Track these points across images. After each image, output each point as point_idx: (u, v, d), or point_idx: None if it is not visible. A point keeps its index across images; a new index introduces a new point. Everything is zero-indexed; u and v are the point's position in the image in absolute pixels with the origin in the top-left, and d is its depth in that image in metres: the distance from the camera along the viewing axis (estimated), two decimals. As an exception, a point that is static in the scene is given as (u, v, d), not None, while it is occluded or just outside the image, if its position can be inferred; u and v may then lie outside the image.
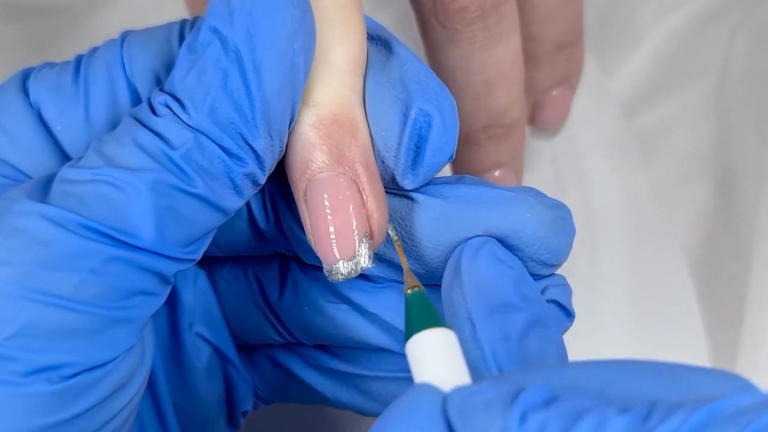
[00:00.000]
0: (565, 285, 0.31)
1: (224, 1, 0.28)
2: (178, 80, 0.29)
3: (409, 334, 0.27)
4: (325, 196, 0.29)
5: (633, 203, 0.47)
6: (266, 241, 0.33)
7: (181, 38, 0.31)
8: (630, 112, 0.51)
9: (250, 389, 0.35)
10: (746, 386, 0.24)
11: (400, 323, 0.32)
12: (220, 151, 0.28)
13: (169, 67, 0.31)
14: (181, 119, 0.28)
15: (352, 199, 0.29)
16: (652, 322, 0.44)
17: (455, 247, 0.30)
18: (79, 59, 0.32)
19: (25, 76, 0.32)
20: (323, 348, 0.35)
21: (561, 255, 0.30)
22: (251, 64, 0.28)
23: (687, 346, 0.43)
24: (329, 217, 0.29)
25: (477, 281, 0.29)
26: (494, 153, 0.42)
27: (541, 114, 0.46)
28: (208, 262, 0.35)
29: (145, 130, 0.28)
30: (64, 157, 0.31)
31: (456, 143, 0.30)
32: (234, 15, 0.28)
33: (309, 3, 0.29)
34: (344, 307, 0.33)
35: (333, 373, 0.34)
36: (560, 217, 0.30)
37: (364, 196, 0.29)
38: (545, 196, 0.31)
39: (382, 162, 0.30)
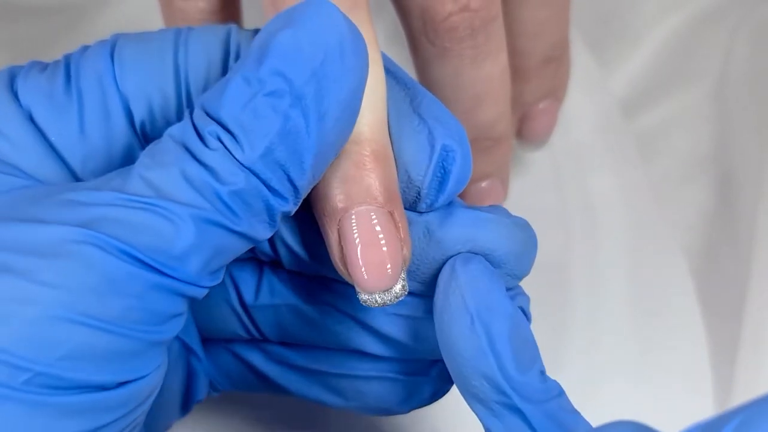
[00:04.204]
0: (524, 294, 0.33)
1: (295, 46, 0.28)
2: (231, 111, 0.28)
3: None
4: (360, 228, 0.30)
5: (633, 203, 0.47)
6: None
7: (175, 53, 0.31)
8: (630, 112, 0.51)
9: (207, 379, 0.36)
10: None
11: (376, 324, 0.33)
12: (266, 191, 0.29)
13: (161, 85, 0.31)
14: (234, 156, 0.28)
15: (387, 232, 0.30)
16: (652, 321, 0.44)
17: (443, 264, 0.31)
18: (68, 62, 0.31)
19: (12, 76, 0.32)
20: (288, 344, 0.35)
21: (528, 269, 0.33)
22: (315, 114, 0.28)
23: (687, 346, 0.43)
24: (364, 250, 0.30)
25: (472, 282, 0.30)
26: (482, 164, 0.42)
27: (528, 126, 0.46)
28: None
29: (195, 162, 0.28)
30: (61, 161, 0.31)
31: (471, 171, 0.32)
32: (306, 64, 0.28)
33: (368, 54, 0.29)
34: (326, 308, 0.34)
35: (298, 369, 0.35)
36: (530, 236, 0.32)
37: (399, 229, 0.30)
38: (514, 216, 0.32)
39: (403, 192, 0.31)
